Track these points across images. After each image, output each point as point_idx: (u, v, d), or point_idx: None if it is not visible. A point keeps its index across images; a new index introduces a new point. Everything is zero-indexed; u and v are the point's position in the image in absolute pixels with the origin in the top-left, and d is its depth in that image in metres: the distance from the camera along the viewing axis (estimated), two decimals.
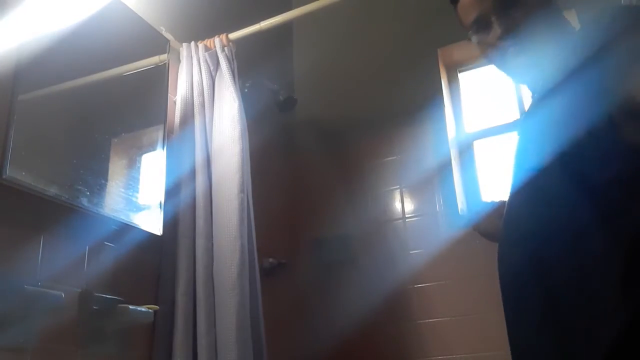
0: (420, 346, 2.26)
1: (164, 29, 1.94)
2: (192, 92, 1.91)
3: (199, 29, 2.10)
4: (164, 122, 1.84)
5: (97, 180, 1.54)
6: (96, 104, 1.62)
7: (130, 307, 1.50)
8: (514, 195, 1.00)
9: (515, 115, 2.48)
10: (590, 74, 0.86)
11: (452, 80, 2.66)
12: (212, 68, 1.97)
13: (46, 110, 1.46)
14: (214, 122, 1.89)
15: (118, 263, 1.56)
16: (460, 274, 2.23)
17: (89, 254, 1.47)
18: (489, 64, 1.10)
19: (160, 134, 1.81)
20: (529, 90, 1.11)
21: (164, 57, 1.90)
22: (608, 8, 0.94)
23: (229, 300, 1.64)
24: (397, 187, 2.51)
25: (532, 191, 0.93)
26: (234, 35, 2.03)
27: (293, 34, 3.00)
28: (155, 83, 1.86)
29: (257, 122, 2.21)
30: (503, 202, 1.08)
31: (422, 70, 2.57)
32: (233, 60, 1.99)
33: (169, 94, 1.90)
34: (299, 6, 2.02)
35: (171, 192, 1.77)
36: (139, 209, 1.67)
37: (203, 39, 2.02)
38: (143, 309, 1.53)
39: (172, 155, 1.82)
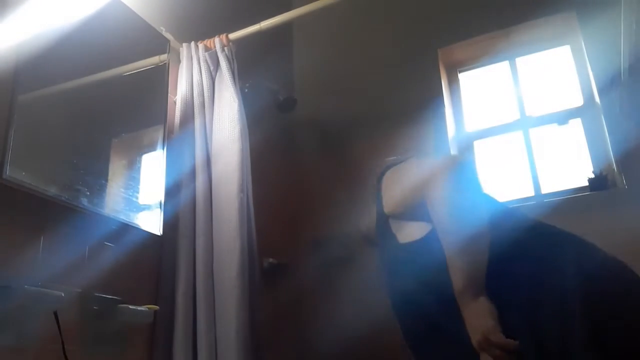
0: None
1: (164, 29, 1.94)
2: (192, 92, 1.91)
3: (199, 29, 2.10)
4: (164, 122, 1.84)
5: (97, 180, 1.54)
6: (96, 104, 1.62)
7: (130, 307, 1.50)
8: None
9: (515, 115, 2.48)
10: None
11: (452, 80, 2.66)
12: (212, 68, 1.97)
13: (46, 110, 1.46)
14: (214, 122, 1.89)
15: (118, 263, 1.55)
16: None
17: (89, 254, 1.47)
18: None
19: (160, 134, 1.81)
20: None
21: (164, 57, 1.90)
22: None
23: (229, 300, 1.64)
24: None
25: None
26: (234, 36, 2.03)
27: (293, 34, 3.00)
28: (155, 83, 1.86)
29: (257, 122, 2.20)
30: None
31: (423, 70, 2.57)
32: (233, 60, 1.99)
33: (169, 94, 1.90)
34: (299, 6, 2.02)
35: (171, 192, 1.77)
36: (139, 209, 1.67)
37: (203, 39, 2.02)
38: (143, 309, 1.53)
39: (172, 155, 1.82)
